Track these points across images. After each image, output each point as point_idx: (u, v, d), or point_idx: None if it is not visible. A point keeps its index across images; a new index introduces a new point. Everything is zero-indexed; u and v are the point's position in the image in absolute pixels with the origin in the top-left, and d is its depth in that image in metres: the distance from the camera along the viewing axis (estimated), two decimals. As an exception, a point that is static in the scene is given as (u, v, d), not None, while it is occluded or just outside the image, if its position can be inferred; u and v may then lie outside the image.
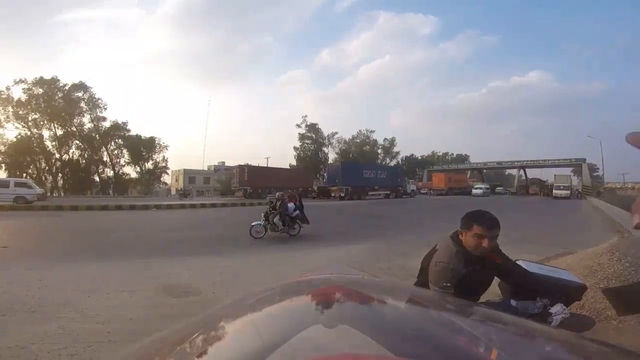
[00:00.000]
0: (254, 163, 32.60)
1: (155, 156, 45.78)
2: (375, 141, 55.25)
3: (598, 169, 45.19)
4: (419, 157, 64.80)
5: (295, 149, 52.42)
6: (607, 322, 2.40)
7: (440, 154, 72.93)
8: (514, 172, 57.28)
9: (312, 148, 51.97)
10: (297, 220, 7.95)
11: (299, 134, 52.00)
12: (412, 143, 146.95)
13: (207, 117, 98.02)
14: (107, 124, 41.94)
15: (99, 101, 40.84)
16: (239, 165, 28.71)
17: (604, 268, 2.98)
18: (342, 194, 25.78)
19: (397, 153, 56.88)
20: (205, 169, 53.30)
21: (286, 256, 6.04)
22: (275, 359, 0.52)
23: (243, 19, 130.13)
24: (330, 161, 51.27)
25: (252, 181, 26.95)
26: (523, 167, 50.12)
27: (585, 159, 43.23)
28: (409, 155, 62.27)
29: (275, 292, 0.99)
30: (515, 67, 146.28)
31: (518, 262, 1.76)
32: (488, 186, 31.51)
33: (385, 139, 56.23)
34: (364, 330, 0.60)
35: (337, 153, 53.86)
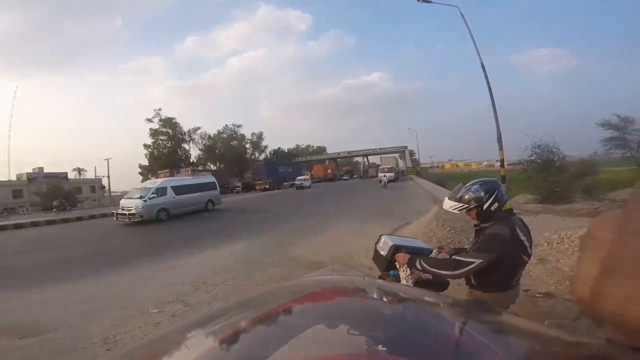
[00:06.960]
0: (89, 167, 28.87)
1: None
2: (243, 136, 53.79)
3: (415, 153, 59.88)
4: (286, 150, 67.82)
5: (147, 146, 45.69)
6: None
7: (304, 146, 78.84)
8: (359, 158, 68.30)
9: (168, 145, 46.30)
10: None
11: (151, 129, 45.65)
12: (278, 136, 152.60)
13: (12, 112, 66.84)
14: None
15: None
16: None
17: (435, 234, 4.22)
18: (267, 186, 32.97)
19: (266, 147, 57.02)
20: (13, 178, 39.33)
21: (167, 266, 5.34)
22: None
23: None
24: (192, 159, 48.98)
25: None
26: (365, 155, 60.95)
27: (407, 146, 56.12)
28: (276, 148, 63.67)
29: (276, 292, 0.97)
30: (364, 67, 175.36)
31: (382, 237, 1.97)
32: None
33: (252, 134, 55.27)
34: (364, 330, 0.62)
35: (200, 149, 50.00)
